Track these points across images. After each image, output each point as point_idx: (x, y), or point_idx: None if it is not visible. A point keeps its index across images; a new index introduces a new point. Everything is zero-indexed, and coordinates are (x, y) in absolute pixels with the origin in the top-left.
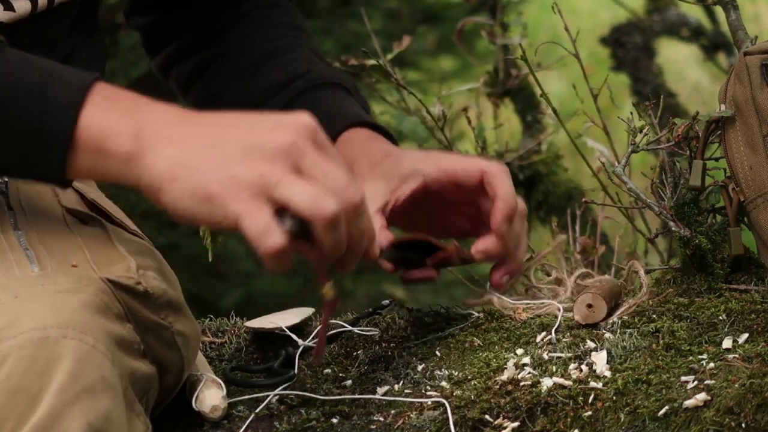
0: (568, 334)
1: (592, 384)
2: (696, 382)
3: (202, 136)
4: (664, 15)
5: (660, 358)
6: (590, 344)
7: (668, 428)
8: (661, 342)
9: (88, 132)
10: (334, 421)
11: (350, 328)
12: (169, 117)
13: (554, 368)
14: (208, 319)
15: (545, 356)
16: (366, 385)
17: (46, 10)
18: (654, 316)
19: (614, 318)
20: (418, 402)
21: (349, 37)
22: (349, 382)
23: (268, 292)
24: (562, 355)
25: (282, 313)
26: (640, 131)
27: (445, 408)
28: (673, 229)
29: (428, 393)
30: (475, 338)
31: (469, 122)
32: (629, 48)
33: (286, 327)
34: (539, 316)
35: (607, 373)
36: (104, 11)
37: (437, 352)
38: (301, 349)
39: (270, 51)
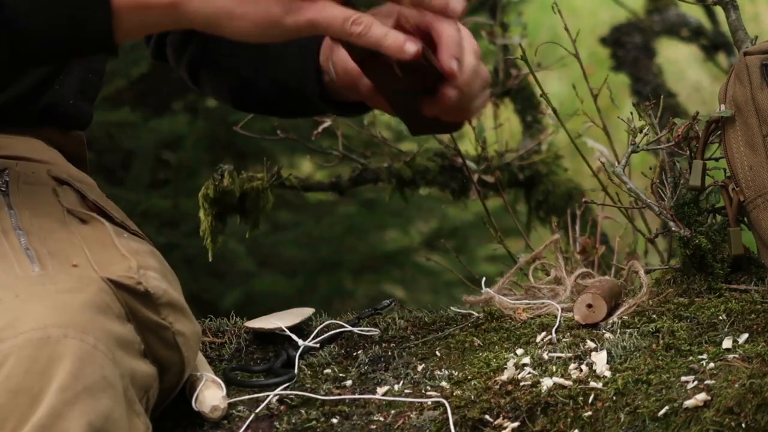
0: (568, 334)
1: (592, 384)
2: (696, 382)
3: None
4: (664, 15)
5: (660, 358)
6: (590, 344)
7: (668, 428)
8: (661, 342)
9: None
10: (334, 421)
11: (350, 328)
12: None
13: (554, 368)
14: (208, 319)
15: (545, 356)
16: (366, 385)
17: None
18: (654, 316)
19: (614, 318)
20: (418, 402)
21: None
22: (349, 382)
23: (268, 292)
24: (562, 355)
25: (282, 313)
26: (640, 131)
27: (445, 408)
28: (673, 229)
29: (428, 393)
30: (475, 338)
31: (470, 122)
32: (629, 48)
33: (286, 327)
34: (539, 316)
35: (607, 373)
36: None
37: (437, 352)
38: (301, 349)
39: None
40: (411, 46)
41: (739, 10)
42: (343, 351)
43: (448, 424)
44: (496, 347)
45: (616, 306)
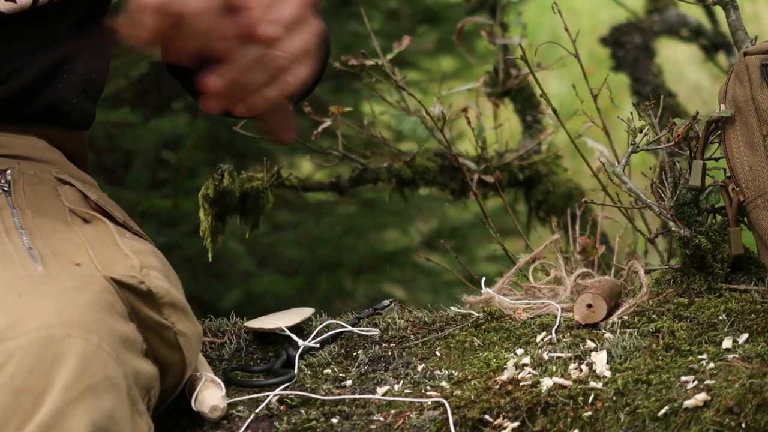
0: (568, 334)
1: (592, 384)
2: (696, 382)
3: None
4: (664, 15)
5: (660, 358)
6: (590, 344)
7: (668, 428)
8: (661, 342)
9: None
10: (334, 421)
11: (350, 328)
12: None
13: (554, 368)
14: (208, 319)
15: (545, 356)
16: (366, 385)
17: (47, 5)
18: (654, 316)
19: (614, 318)
20: (418, 402)
21: (349, 37)
22: (349, 382)
23: (268, 292)
24: (562, 355)
25: (282, 313)
26: (640, 131)
27: (445, 408)
28: (673, 229)
29: (428, 393)
30: (475, 338)
31: (469, 122)
32: (629, 48)
33: (286, 327)
34: (539, 316)
35: (607, 373)
36: None
37: (437, 352)
38: (301, 349)
39: None
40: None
41: (739, 10)
42: (343, 351)
43: (448, 424)
44: (496, 347)
45: (616, 306)
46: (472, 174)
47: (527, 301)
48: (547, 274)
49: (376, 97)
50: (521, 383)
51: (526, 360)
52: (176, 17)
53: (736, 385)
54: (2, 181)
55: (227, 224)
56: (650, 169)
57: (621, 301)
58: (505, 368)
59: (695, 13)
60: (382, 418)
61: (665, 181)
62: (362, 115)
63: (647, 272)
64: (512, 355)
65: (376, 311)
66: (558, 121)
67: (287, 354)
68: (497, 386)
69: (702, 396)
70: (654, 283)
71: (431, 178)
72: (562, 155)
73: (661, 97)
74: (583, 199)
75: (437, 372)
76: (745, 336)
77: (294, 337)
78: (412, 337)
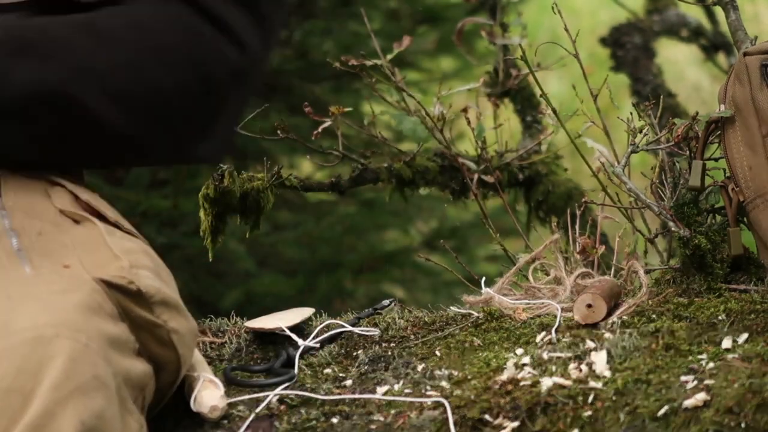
0: (568, 334)
1: (592, 384)
2: (696, 382)
3: None
4: (664, 15)
5: (660, 358)
6: (590, 344)
7: (668, 428)
8: (660, 342)
9: None
10: (334, 421)
11: (350, 328)
12: None
13: (554, 368)
14: (208, 319)
15: (545, 356)
16: (366, 385)
17: None
18: (654, 316)
19: (614, 318)
20: (418, 402)
21: (349, 37)
22: (349, 382)
23: (268, 292)
24: (562, 354)
25: (282, 313)
26: (640, 131)
27: (445, 408)
28: (672, 229)
29: (428, 393)
30: (475, 338)
31: (469, 123)
32: (629, 48)
33: (286, 327)
34: (539, 316)
35: (607, 373)
36: None
37: (437, 352)
38: (301, 349)
39: None
40: None
41: (739, 11)
42: (343, 351)
43: (448, 423)
44: (496, 347)
45: (615, 306)
46: (472, 174)
47: (527, 301)
48: (547, 274)
49: (376, 97)
50: (521, 383)
51: (526, 360)
52: None
53: (736, 385)
54: None
55: (227, 224)
56: (650, 169)
57: (621, 301)
58: (505, 368)
59: (695, 14)
60: (382, 418)
61: (665, 182)
62: (362, 115)
63: (647, 272)
64: (512, 354)
65: (376, 311)
66: (558, 121)
67: (287, 354)
68: (497, 386)
69: (701, 396)
70: (654, 283)
71: (431, 178)
72: (562, 155)
73: (661, 97)
74: (583, 199)
75: (437, 372)
76: (745, 336)
77: (294, 337)
78: (412, 337)
